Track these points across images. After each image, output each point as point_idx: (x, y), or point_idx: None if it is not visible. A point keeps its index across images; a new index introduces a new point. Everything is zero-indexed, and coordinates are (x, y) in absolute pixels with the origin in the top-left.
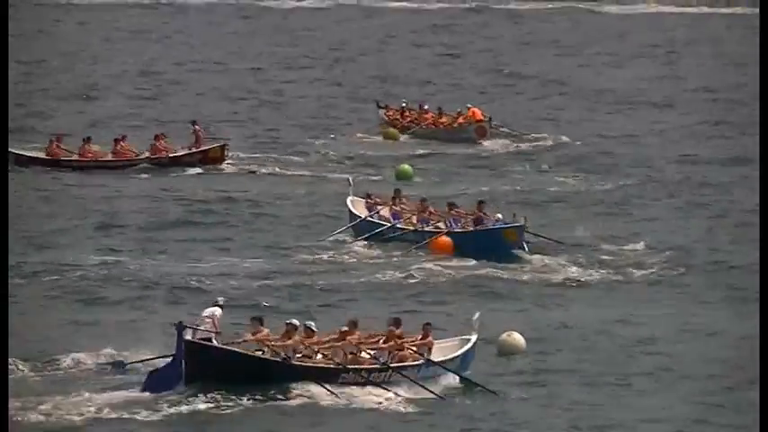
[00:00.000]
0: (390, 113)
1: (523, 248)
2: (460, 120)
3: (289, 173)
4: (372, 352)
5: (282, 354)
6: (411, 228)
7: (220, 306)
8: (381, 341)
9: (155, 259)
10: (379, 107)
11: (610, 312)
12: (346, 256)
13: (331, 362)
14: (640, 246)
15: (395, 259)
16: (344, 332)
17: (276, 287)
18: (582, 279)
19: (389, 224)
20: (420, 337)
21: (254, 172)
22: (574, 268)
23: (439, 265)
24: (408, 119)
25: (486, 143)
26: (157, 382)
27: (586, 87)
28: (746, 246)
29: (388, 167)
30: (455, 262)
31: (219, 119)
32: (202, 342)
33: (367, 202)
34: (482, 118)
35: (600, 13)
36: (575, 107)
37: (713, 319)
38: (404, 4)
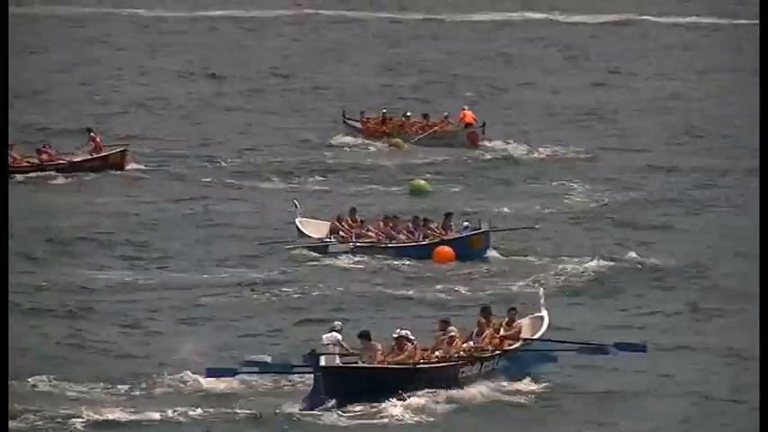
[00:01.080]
0: (369, 122)
1: (486, 253)
2: (449, 124)
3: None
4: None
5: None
6: (371, 242)
7: (338, 330)
8: (479, 335)
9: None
10: (346, 119)
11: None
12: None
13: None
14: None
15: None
16: (441, 335)
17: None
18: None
19: (351, 242)
20: (506, 322)
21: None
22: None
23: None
24: (391, 126)
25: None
26: (308, 403)
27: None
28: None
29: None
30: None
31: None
32: (341, 366)
33: (333, 224)
34: (472, 121)
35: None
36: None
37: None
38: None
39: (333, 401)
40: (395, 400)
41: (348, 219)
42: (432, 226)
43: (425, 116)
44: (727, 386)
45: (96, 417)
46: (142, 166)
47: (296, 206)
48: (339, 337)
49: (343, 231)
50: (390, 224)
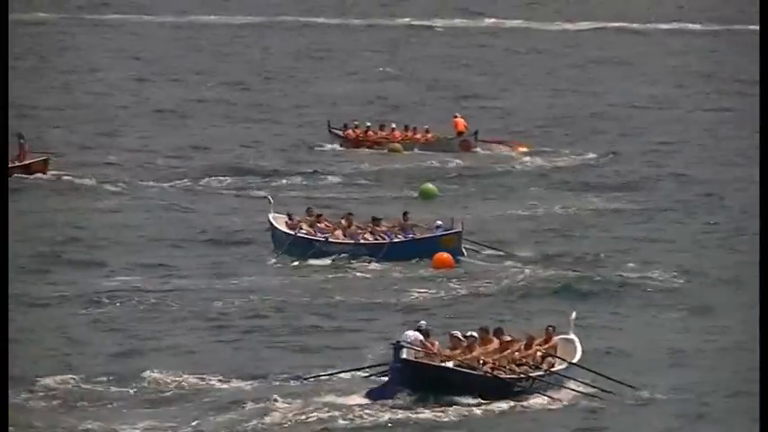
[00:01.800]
0: (352, 133)
1: (463, 254)
2: (430, 136)
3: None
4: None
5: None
6: (340, 241)
7: (422, 330)
8: (525, 348)
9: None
10: (331, 130)
11: None
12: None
13: (502, 371)
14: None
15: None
16: (486, 340)
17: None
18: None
19: (323, 239)
20: (544, 340)
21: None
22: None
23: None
24: (374, 138)
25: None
26: (378, 393)
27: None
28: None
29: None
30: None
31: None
32: (421, 361)
33: (287, 223)
34: (464, 129)
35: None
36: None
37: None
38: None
39: (405, 393)
40: (467, 399)
41: (306, 216)
42: (386, 225)
43: (406, 127)
44: None
45: None
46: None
47: (269, 202)
48: (421, 337)
49: (304, 228)
50: (352, 223)
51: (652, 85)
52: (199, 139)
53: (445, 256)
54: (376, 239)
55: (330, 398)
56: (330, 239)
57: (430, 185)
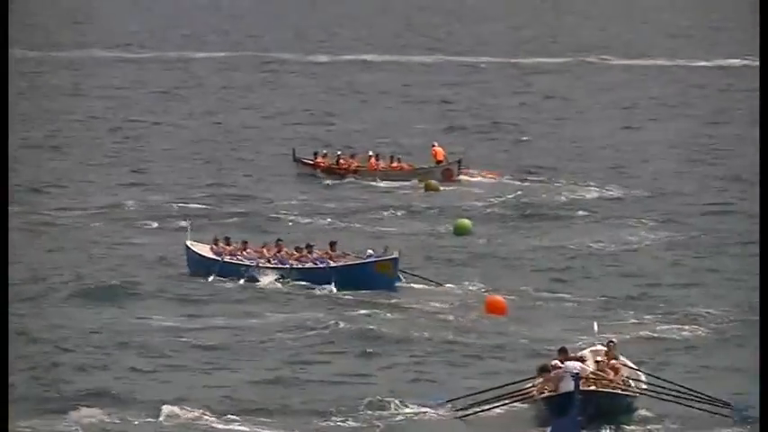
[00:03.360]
0: (321, 162)
1: (400, 279)
2: (406, 165)
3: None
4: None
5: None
6: (270, 265)
7: (579, 358)
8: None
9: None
10: (296, 159)
11: None
12: None
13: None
14: None
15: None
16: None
17: None
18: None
19: (254, 263)
20: (607, 355)
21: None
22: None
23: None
24: (346, 166)
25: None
26: (563, 427)
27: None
28: None
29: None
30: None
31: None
32: (601, 390)
33: (213, 248)
34: (443, 158)
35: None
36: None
37: None
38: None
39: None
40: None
41: (222, 242)
42: (316, 251)
43: (377, 155)
44: None
45: None
46: None
47: (188, 228)
48: (580, 365)
49: (227, 252)
50: (280, 249)
51: None
52: None
53: (498, 299)
54: (316, 264)
55: None
56: (260, 264)
57: (465, 220)
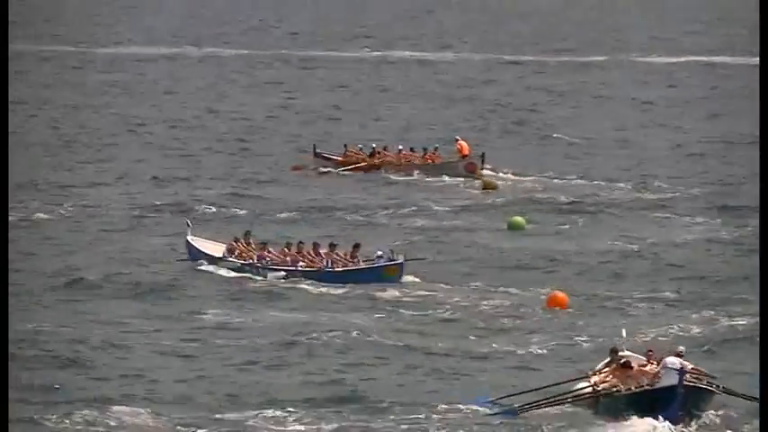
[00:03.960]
0: (353, 156)
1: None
2: (428, 156)
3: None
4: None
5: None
6: (272, 266)
7: (681, 355)
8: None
9: None
10: (317, 154)
11: None
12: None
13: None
14: None
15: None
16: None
17: None
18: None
19: (259, 264)
20: (646, 362)
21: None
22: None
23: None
24: (380, 159)
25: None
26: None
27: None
28: None
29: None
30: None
31: None
32: (697, 384)
33: (230, 245)
34: (468, 153)
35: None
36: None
37: None
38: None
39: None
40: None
41: (242, 240)
42: (339, 253)
43: (412, 149)
44: None
45: None
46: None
47: (188, 225)
48: (678, 361)
49: (239, 251)
50: (296, 250)
51: None
52: None
53: (560, 295)
54: (324, 266)
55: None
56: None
57: (518, 218)
